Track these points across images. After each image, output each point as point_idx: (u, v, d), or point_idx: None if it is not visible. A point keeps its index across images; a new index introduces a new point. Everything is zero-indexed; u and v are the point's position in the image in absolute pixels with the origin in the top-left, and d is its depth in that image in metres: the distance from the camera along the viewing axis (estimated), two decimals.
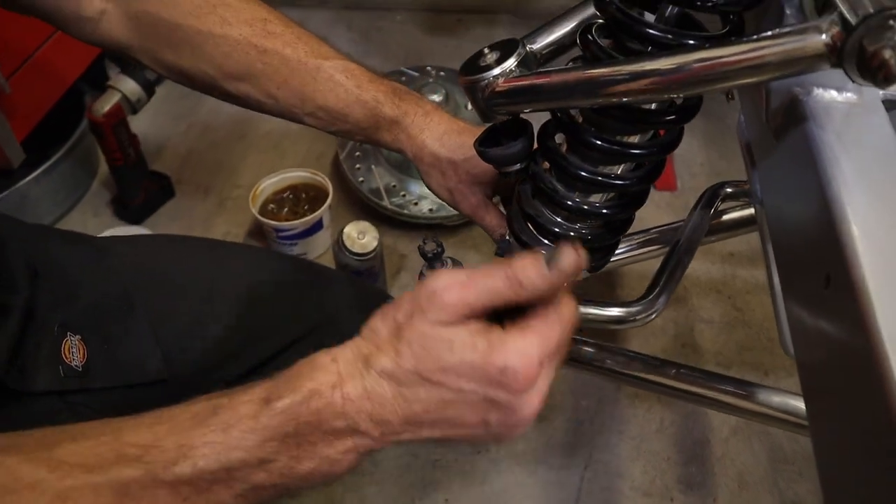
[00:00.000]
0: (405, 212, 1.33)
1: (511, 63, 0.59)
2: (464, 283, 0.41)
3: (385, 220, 1.36)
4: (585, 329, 0.73)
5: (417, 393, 0.41)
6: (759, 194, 0.62)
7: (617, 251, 0.68)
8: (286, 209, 1.33)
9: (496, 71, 0.59)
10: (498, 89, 0.58)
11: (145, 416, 0.41)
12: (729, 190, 0.77)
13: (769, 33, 0.44)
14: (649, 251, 0.83)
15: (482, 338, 0.41)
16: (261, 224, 1.30)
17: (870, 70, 0.40)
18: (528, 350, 0.41)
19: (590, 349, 0.72)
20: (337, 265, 1.21)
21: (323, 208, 1.27)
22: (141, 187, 1.42)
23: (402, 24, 2.05)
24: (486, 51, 0.62)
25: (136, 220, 1.43)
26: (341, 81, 0.67)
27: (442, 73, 1.50)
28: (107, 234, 1.37)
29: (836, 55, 0.42)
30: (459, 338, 0.41)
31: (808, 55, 0.43)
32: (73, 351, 0.67)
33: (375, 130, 0.69)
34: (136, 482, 0.38)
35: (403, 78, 1.48)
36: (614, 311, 0.65)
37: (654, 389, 0.72)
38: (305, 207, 1.33)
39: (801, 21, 0.49)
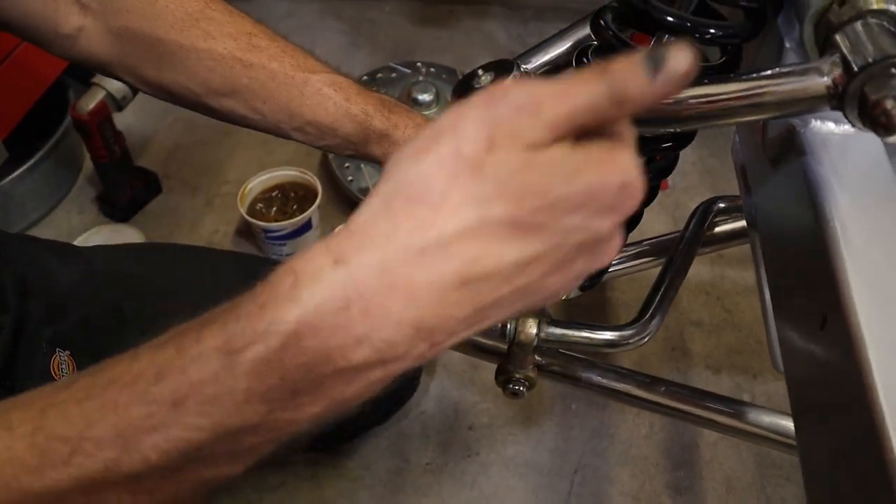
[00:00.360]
0: None
1: None
2: (564, 94, 0.29)
3: None
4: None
5: (503, 256, 0.29)
6: (753, 219, 0.62)
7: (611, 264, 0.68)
8: (275, 208, 1.32)
9: None
10: None
11: (76, 383, 0.32)
12: (722, 205, 0.77)
13: (769, 72, 0.44)
14: (642, 263, 0.83)
15: (582, 154, 0.30)
16: (249, 225, 1.29)
17: (870, 118, 0.39)
18: (637, 160, 0.31)
19: (581, 366, 0.72)
20: None
21: (312, 209, 1.26)
22: (127, 184, 1.40)
23: (392, 14, 2.02)
24: (480, 72, 0.61)
25: (122, 219, 1.41)
26: (330, 95, 0.66)
27: (432, 70, 1.48)
28: (91, 234, 1.36)
29: (837, 99, 0.42)
30: (561, 159, 0.29)
31: (808, 97, 0.43)
32: (63, 367, 0.66)
33: (365, 144, 0.68)
34: (71, 491, 0.30)
35: (394, 74, 1.47)
36: (607, 335, 0.64)
37: (645, 407, 0.72)
38: (294, 207, 1.31)
39: (800, 55, 0.49)
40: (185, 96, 0.66)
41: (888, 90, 0.38)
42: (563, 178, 0.29)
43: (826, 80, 0.42)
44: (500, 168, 0.28)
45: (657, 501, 1.04)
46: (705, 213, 0.76)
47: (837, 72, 0.41)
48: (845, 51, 0.42)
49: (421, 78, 1.41)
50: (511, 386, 0.70)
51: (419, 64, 1.50)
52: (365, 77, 1.48)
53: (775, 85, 0.43)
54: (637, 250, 0.82)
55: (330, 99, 0.65)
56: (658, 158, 0.57)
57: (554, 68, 0.63)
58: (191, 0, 0.64)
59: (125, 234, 1.37)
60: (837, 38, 0.43)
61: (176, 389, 0.29)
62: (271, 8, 2.03)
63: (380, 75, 1.47)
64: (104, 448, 0.30)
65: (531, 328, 0.63)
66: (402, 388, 1.08)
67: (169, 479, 0.31)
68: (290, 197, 1.33)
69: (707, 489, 1.05)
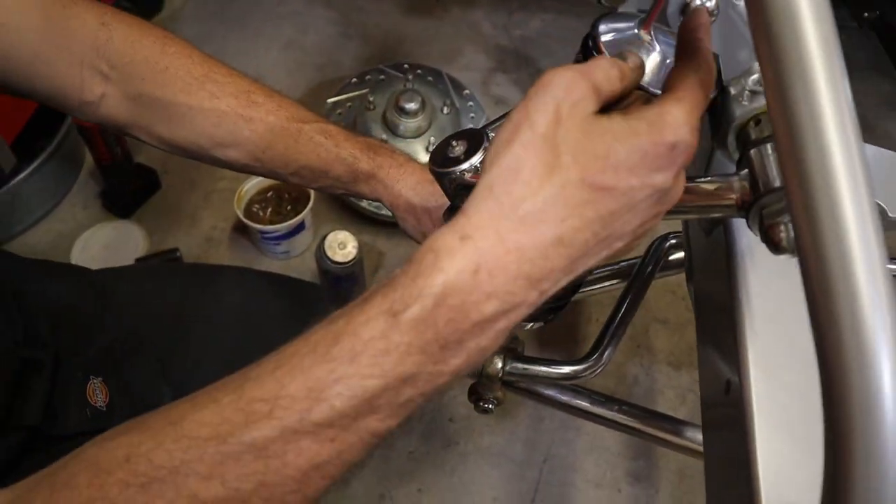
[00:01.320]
0: (383, 212, 1.40)
1: (478, 159, 0.66)
2: (592, 69, 0.38)
3: (364, 219, 1.44)
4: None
5: (585, 214, 0.36)
6: (690, 273, 0.71)
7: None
8: (270, 209, 1.40)
9: (465, 166, 0.65)
10: (466, 183, 0.65)
11: (265, 362, 0.38)
12: (673, 241, 0.85)
13: (691, 183, 0.52)
14: (603, 287, 0.92)
15: (635, 119, 0.37)
16: (246, 225, 1.37)
17: (766, 236, 0.48)
18: (689, 119, 0.38)
19: (542, 385, 0.82)
20: (319, 270, 1.29)
21: (305, 211, 1.34)
22: (128, 182, 1.48)
23: (381, 2, 2.07)
24: (453, 143, 0.68)
25: (124, 214, 1.49)
26: (321, 142, 0.73)
27: (419, 72, 1.55)
28: (96, 230, 1.44)
29: (744, 211, 0.50)
30: (617, 125, 0.36)
31: (722, 205, 0.51)
32: (97, 392, 0.74)
33: (354, 183, 0.76)
34: (273, 441, 0.36)
35: (382, 76, 1.53)
36: (564, 370, 0.74)
37: (599, 422, 0.82)
38: (288, 207, 1.40)
39: (725, 157, 0.57)
40: (193, 150, 0.74)
41: (782, 218, 0.47)
42: (620, 143, 0.36)
43: (736, 196, 0.50)
44: (568, 138, 0.35)
45: (617, 488, 1.16)
46: (657, 251, 0.85)
47: (745, 189, 0.50)
48: (756, 169, 0.50)
49: (409, 85, 1.48)
50: (481, 404, 0.79)
51: (406, 66, 1.56)
52: (355, 79, 1.54)
53: (695, 194, 0.51)
54: (599, 275, 0.92)
55: (321, 146, 0.73)
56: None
57: None
58: (196, 66, 0.71)
59: (128, 230, 1.46)
60: (752, 154, 0.51)
61: (351, 348, 0.35)
62: None
63: (369, 77, 1.53)
64: (298, 402, 0.36)
65: (497, 364, 0.72)
66: None
67: (348, 428, 0.36)
68: (284, 198, 1.41)
69: (662, 477, 1.16)
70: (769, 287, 0.55)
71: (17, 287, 0.73)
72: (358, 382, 0.35)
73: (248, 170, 0.76)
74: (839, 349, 0.29)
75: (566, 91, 0.36)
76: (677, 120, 0.37)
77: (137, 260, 1.39)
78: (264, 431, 0.36)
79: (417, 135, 1.41)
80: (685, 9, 0.49)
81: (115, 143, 1.39)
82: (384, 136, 1.39)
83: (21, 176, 1.39)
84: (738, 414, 0.51)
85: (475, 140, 0.69)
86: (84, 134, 1.34)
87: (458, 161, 0.67)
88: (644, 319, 1.35)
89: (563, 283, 0.37)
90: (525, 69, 1.88)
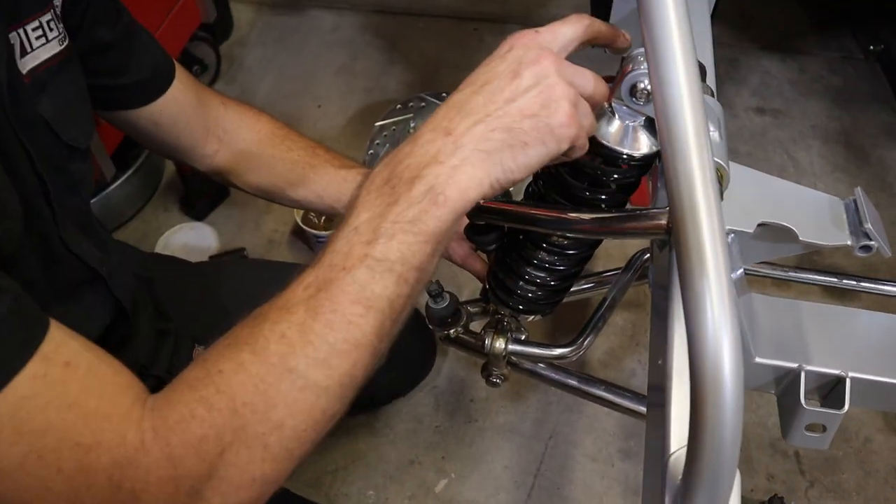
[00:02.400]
0: None
1: None
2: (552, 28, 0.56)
3: None
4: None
5: (473, 90, 0.52)
6: (651, 279, 0.92)
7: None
8: (324, 217, 1.63)
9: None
10: (479, 207, 0.86)
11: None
12: (647, 255, 1.06)
13: (630, 216, 0.72)
14: (590, 290, 1.13)
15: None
16: (303, 230, 1.61)
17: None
18: (529, 34, 0.54)
19: (542, 367, 1.03)
20: None
21: None
22: (203, 191, 1.73)
23: (425, 30, 2.30)
24: None
25: (199, 217, 1.74)
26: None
27: None
28: (176, 230, 1.69)
29: (668, 233, 0.71)
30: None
31: (654, 229, 0.71)
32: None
33: None
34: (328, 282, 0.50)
35: (423, 104, 1.75)
36: (555, 351, 0.94)
37: (584, 397, 1.03)
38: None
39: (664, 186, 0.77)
40: (273, 190, 0.98)
41: None
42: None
43: (664, 220, 0.70)
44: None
45: (610, 462, 1.36)
46: (635, 262, 1.05)
47: (664, 219, 0.70)
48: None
49: None
50: (491, 378, 1.00)
51: (444, 94, 1.78)
52: (399, 105, 1.77)
53: (622, 220, 0.71)
54: (586, 285, 1.13)
55: None
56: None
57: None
58: (277, 129, 0.98)
59: (203, 231, 1.71)
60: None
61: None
62: (321, 21, 2.32)
63: (412, 104, 1.76)
64: (385, 264, 0.50)
65: (500, 343, 0.93)
66: (421, 368, 1.40)
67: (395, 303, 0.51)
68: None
69: None
70: None
71: (147, 274, 0.98)
72: (401, 239, 0.50)
73: (311, 206, 1.00)
74: (697, 321, 0.47)
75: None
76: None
77: (211, 257, 1.64)
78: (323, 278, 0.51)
79: None
80: (632, 89, 0.69)
81: None
82: None
83: (117, 183, 1.65)
84: (663, 381, 0.71)
85: None
86: None
87: None
88: (644, 321, 1.55)
89: (476, 129, 0.51)
90: None
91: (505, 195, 0.81)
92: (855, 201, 0.83)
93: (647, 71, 0.67)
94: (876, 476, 1.37)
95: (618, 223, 0.72)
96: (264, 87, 2.07)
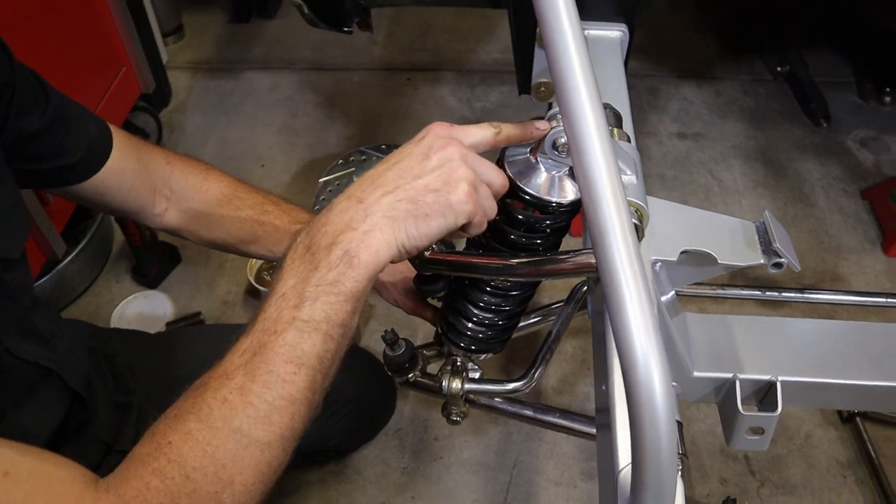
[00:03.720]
0: None
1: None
2: (460, 128, 0.64)
3: None
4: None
5: (389, 167, 0.60)
6: (590, 313, 0.99)
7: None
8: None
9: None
10: (425, 259, 0.92)
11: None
12: (584, 288, 1.13)
13: (563, 258, 0.79)
14: (535, 324, 1.20)
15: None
16: (257, 289, 1.64)
17: None
18: (443, 127, 0.61)
19: (499, 401, 1.09)
20: None
21: None
22: (154, 259, 1.75)
23: (361, 83, 2.37)
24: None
25: (152, 285, 1.76)
26: None
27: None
28: (130, 300, 1.71)
29: (597, 272, 0.78)
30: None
31: (584, 268, 0.78)
32: None
33: None
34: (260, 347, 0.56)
35: (363, 157, 1.82)
36: (508, 386, 1.00)
37: (540, 425, 1.09)
38: None
39: None
40: (225, 246, 1.02)
41: None
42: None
43: (593, 259, 0.78)
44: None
45: (573, 484, 1.42)
46: (575, 294, 1.12)
47: (592, 258, 0.77)
48: None
49: None
50: (451, 417, 1.06)
51: (384, 146, 1.86)
52: (341, 161, 1.83)
53: (556, 262, 0.78)
54: (534, 318, 1.20)
55: None
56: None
57: None
58: (225, 187, 1.00)
59: (157, 299, 1.73)
60: None
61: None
62: (258, 82, 2.38)
63: (353, 158, 1.83)
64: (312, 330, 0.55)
65: (457, 384, 0.99)
66: (383, 413, 1.45)
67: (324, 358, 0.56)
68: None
69: None
70: None
71: (106, 350, 1.00)
72: (325, 301, 0.56)
73: (264, 258, 1.04)
74: (626, 346, 0.54)
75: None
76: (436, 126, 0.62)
77: (167, 325, 1.66)
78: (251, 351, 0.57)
79: None
80: (555, 144, 0.76)
81: (145, 227, 1.66)
82: None
83: (68, 259, 1.66)
84: (607, 404, 0.78)
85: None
86: (120, 222, 1.62)
87: None
88: (589, 345, 1.62)
89: (385, 199, 0.58)
90: None
91: (448, 246, 0.87)
92: (763, 223, 0.93)
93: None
94: (819, 468, 1.46)
95: (552, 265, 0.79)
96: (207, 152, 2.11)
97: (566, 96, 0.57)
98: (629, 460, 0.74)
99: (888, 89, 2.30)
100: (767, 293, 1.27)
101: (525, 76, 1.21)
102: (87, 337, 1.04)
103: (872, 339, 0.89)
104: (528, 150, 0.80)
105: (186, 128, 2.20)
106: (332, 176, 1.80)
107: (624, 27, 1.13)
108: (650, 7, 1.20)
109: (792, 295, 1.33)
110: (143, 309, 1.70)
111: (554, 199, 0.76)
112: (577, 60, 0.55)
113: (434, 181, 0.59)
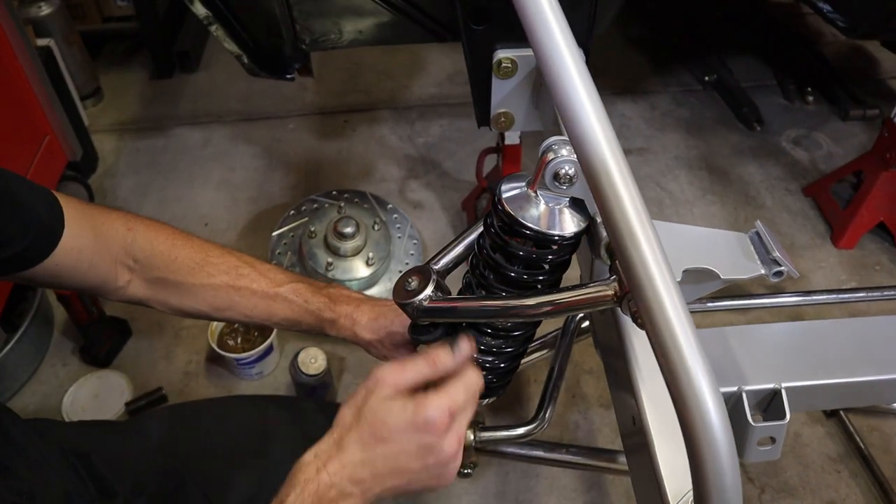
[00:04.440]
0: None
1: (430, 289, 0.87)
2: (398, 369, 0.67)
3: None
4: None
5: (376, 451, 0.64)
6: (595, 336, 0.96)
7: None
8: (240, 338, 1.59)
9: (421, 296, 0.86)
10: (424, 308, 0.87)
11: None
12: (581, 315, 1.11)
13: (575, 292, 0.76)
14: (537, 357, 1.16)
15: (410, 402, 0.65)
16: (221, 355, 1.55)
17: (633, 316, 0.72)
18: (441, 405, 0.65)
19: (506, 444, 1.04)
20: (294, 384, 1.48)
21: (272, 335, 1.54)
22: (104, 335, 1.63)
23: (296, 131, 2.31)
24: (409, 279, 0.89)
25: (104, 364, 1.64)
26: (293, 300, 0.93)
27: (346, 196, 1.79)
28: (81, 383, 1.58)
29: (617, 302, 0.75)
30: (397, 405, 0.64)
31: (604, 299, 0.75)
32: None
33: (321, 328, 0.95)
34: None
35: (315, 206, 1.76)
36: (519, 430, 0.96)
37: (554, 465, 1.05)
38: (255, 333, 1.58)
39: (600, 261, 0.82)
40: (198, 314, 0.94)
41: None
42: (393, 416, 0.65)
43: (611, 292, 0.74)
44: (367, 410, 0.65)
45: None
46: (571, 323, 1.09)
47: (616, 287, 0.74)
48: (621, 273, 0.74)
49: (341, 209, 1.71)
50: (462, 471, 1.00)
51: (335, 193, 1.80)
52: (293, 211, 1.76)
53: (579, 295, 0.75)
54: (532, 348, 1.16)
55: (294, 303, 0.93)
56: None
57: (456, 265, 0.93)
58: (196, 253, 0.92)
59: (111, 378, 1.61)
60: (617, 263, 0.76)
61: None
62: (189, 138, 2.28)
63: (304, 207, 1.76)
64: None
65: (469, 436, 0.94)
66: None
67: None
68: (251, 326, 1.60)
69: (613, 502, 1.39)
70: (647, 345, 0.80)
71: (78, 450, 0.91)
72: None
73: (240, 323, 0.97)
74: (679, 384, 0.52)
75: (374, 384, 0.67)
76: (432, 404, 0.65)
77: (127, 404, 1.55)
78: None
79: (356, 253, 1.64)
80: (556, 176, 0.73)
81: (91, 304, 1.55)
82: (329, 259, 1.61)
83: (8, 347, 1.53)
84: (643, 438, 0.74)
85: (424, 274, 0.92)
86: (63, 300, 1.51)
87: (416, 293, 0.89)
88: (575, 373, 1.59)
89: (377, 490, 0.66)
90: (433, 172, 2.14)
91: (444, 292, 0.83)
92: (758, 233, 0.92)
93: (567, 157, 0.72)
94: (814, 467, 1.47)
95: (566, 301, 0.76)
96: (144, 215, 2.00)
97: (575, 129, 0.58)
98: (679, 495, 0.71)
99: (810, 89, 2.39)
100: (739, 301, 1.28)
101: (483, 108, 1.18)
102: (55, 438, 0.94)
103: (862, 335, 0.89)
104: (525, 183, 0.77)
105: (119, 192, 2.09)
106: (284, 228, 1.73)
107: (580, 52, 1.12)
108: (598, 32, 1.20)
109: (765, 301, 1.33)
110: (97, 391, 1.58)
111: (557, 233, 0.73)
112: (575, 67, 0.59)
113: (433, 469, 0.67)
